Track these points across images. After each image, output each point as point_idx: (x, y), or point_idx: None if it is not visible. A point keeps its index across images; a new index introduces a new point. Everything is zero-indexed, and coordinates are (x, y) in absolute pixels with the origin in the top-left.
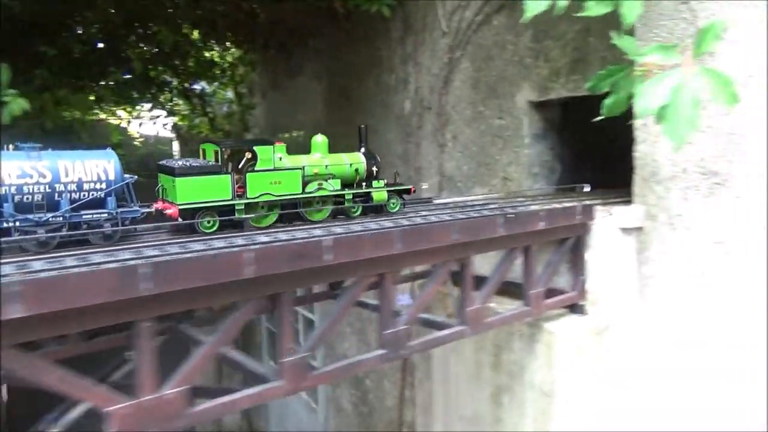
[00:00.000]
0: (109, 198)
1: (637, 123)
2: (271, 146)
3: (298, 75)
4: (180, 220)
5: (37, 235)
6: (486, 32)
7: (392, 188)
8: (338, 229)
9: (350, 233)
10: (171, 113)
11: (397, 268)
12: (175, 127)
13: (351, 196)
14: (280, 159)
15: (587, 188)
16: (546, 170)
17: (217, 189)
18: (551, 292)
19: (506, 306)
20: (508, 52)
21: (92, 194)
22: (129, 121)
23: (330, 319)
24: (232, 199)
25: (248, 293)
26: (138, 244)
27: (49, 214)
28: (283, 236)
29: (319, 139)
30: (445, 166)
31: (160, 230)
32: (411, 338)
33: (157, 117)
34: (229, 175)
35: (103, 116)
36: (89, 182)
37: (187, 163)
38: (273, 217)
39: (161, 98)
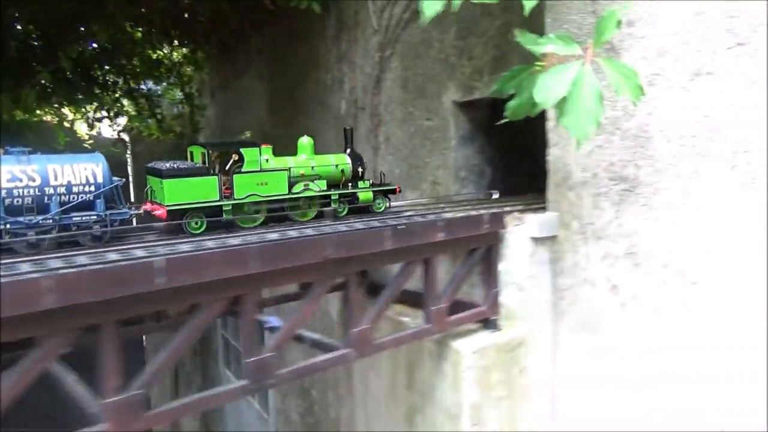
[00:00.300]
0: (98, 200)
1: (550, 125)
2: (258, 148)
3: (244, 75)
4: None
5: (27, 237)
6: (413, 29)
7: (377, 188)
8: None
9: (190, 252)
10: (116, 114)
11: (258, 289)
12: (126, 129)
13: (337, 197)
14: (267, 160)
15: (496, 195)
16: (475, 174)
17: (204, 190)
18: (463, 307)
19: (419, 320)
20: (434, 50)
21: (81, 197)
22: (87, 122)
23: (166, 353)
24: (219, 200)
25: (52, 326)
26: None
27: (39, 217)
28: (139, 252)
29: (305, 141)
30: (379, 169)
31: (149, 231)
32: (281, 365)
33: (102, 118)
34: (216, 177)
35: (47, 117)
36: (78, 185)
37: (175, 165)
38: (260, 218)
39: (106, 99)
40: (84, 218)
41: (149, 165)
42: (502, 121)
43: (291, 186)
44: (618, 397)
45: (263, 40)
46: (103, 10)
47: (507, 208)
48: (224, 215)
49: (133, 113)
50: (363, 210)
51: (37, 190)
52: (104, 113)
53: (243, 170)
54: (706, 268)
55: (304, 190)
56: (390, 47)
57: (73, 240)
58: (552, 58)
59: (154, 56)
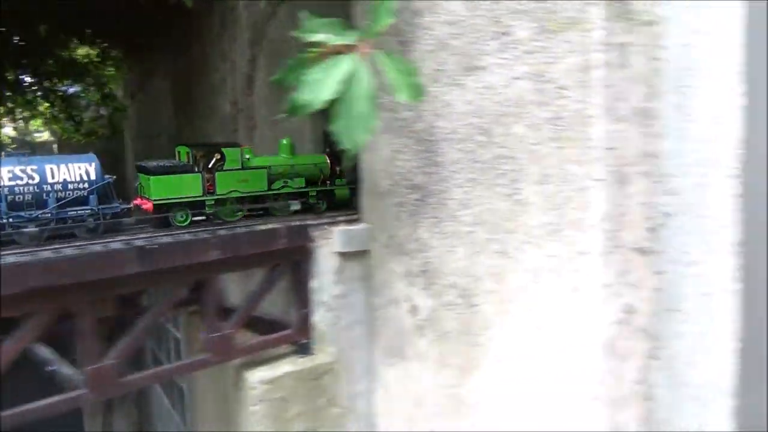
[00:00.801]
0: (91, 196)
1: None
2: (239, 148)
3: (155, 75)
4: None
5: (28, 230)
6: (274, 26)
7: (354, 186)
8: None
9: None
10: (28, 118)
11: None
12: (52, 132)
13: (315, 193)
14: (248, 159)
15: (296, 206)
16: None
17: (188, 186)
18: (274, 329)
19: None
20: (292, 48)
21: (76, 193)
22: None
23: None
24: (202, 196)
25: None
26: None
27: (39, 211)
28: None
29: (285, 142)
30: None
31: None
32: None
33: (17, 120)
34: (199, 174)
35: None
36: (73, 183)
37: (161, 164)
38: (241, 212)
39: (19, 101)
40: (79, 212)
41: (139, 163)
42: (280, 116)
43: (271, 183)
44: (432, 426)
45: (165, 40)
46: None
47: (341, 218)
48: (207, 209)
49: (48, 116)
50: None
51: (36, 187)
52: (9, 117)
53: (225, 168)
54: (485, 290)
55: (283, 186)
56: (258, 45)
57: (70, 232)
58: (327, 49)
59: (67, 55)
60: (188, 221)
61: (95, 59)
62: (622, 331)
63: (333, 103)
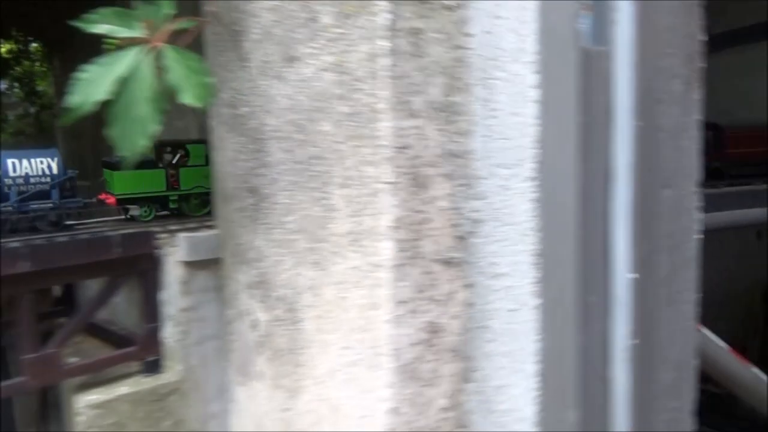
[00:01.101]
0: (53, 190)
1: (214, 122)
2: (203, 145)
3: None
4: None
5: None
6: None
7: None
8: None
9: None
10: None
11: None
12: None
13: None
14: None
15: (134, 212)
16: None
17: (152, 182)
18: (128, 343)
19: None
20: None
21: (38, 187)
22: None
23: None
24: (166, 191)
25: None
26: None
27: (0, 205)
28: None
29: None
30: None
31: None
32: None
33: None
34: (163, 170)
35: None
36: (35, 177)
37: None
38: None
39: None
40: (41, 206)
41: (105, 159)
42: (64, 123)
43: None
44: None
45: (81, 35)
46: None
47: (207, 224)
48: (171, 204)
49: None
50: None
51: None
52: None
53: (189, 164)
54: (305, 304)
55: None
56: None
57: (32, 225)
58: (122, 42)
59: None
60: (152, 216)
61: (18, 54)
62: (425, 354)
63: (108, 105)
